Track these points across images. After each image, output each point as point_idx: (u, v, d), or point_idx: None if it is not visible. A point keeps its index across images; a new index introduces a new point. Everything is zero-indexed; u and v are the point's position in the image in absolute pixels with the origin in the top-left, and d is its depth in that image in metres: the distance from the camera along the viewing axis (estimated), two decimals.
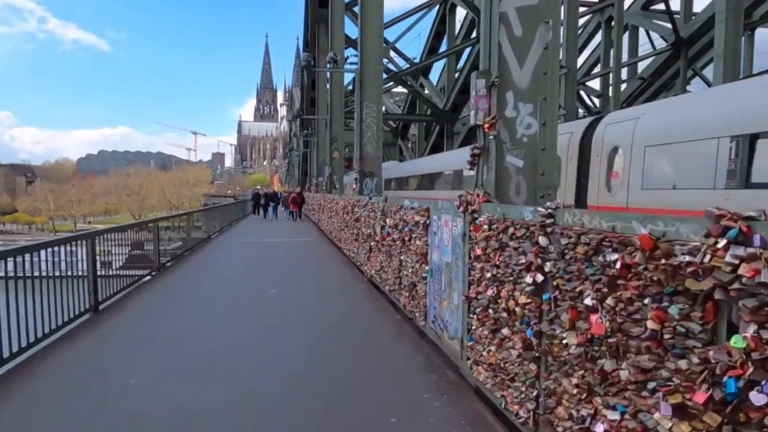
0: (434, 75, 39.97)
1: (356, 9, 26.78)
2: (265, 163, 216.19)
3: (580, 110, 27.86)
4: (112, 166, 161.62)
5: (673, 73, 28.79)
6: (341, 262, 11.33)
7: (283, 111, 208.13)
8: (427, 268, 5.17)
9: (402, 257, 6.23)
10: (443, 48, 33.91)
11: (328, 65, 12.70)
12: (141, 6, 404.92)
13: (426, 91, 36.33)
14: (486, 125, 4.00)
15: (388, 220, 6.95)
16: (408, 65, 34.26)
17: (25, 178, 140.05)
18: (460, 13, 33.39)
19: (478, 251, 3.70)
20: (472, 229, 3.86)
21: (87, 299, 6.68)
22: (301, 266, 11.32)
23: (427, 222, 5.22)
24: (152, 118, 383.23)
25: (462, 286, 4.20)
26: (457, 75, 32.91)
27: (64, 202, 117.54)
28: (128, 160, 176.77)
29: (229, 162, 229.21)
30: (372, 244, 8.18)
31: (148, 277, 9.96)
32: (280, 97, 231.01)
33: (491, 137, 4.02)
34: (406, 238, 5.95)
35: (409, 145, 45.12)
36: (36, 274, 5.43)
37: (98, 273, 7.06)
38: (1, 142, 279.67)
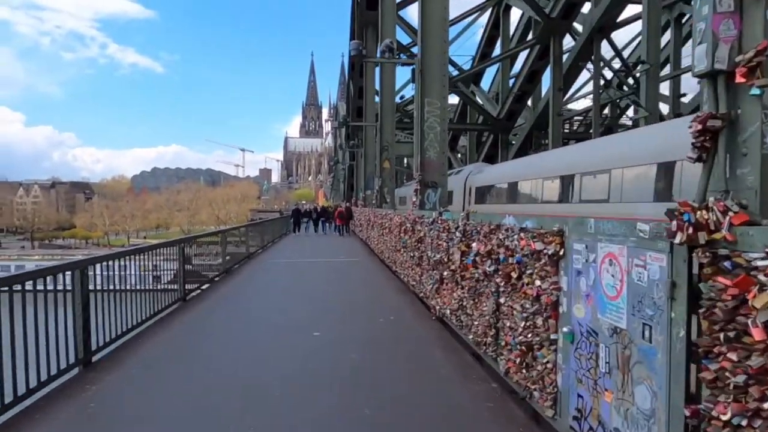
0: (484, 83, 37.92)
1: (402, 12, 25.25)
2: (310, 178, 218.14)
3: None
4: (164, 182, 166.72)
5: None
6: (398, 291, 9.42)
7: (327, 127, 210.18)
8: (565, 329, 3.18)
9: (503, 300, 4.27)
10: (497, 52, 31.86)
11: (382, 55, 10.88)
12: (192, 30, 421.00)
13: (477, 99, 34.29)
14: (740, 70, 2.01)
15: (474, 245, 5.00)
16: (457, 72, 32.21)
17: (83, 195, 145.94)
18: (515, 15, 31.40)
19: (757, 333, 1.71)
20: (720, 280, 1.87)
21: (75, 351, 5.05)
22: (351, 295, 9.46)
23: (560, 253, 3.26)
24: (203, 136, 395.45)
25: (666, 383, 2.22)
26: (512, 81, 30.74)
27: (119, 217, 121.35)
28: (179, 177, 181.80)
29: (275, 177, 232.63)
30: (445, 273, 6.24)
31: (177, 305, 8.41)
32: (325, 114, 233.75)
33: (755, 93, 2.01)
34: (513, 274, 3.98)
35: (459, 157, 43.08)
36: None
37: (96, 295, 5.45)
38: (65, 161, 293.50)
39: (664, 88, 29.88)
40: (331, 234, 28.18)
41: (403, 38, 26.64)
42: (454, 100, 38.49)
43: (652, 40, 18.12)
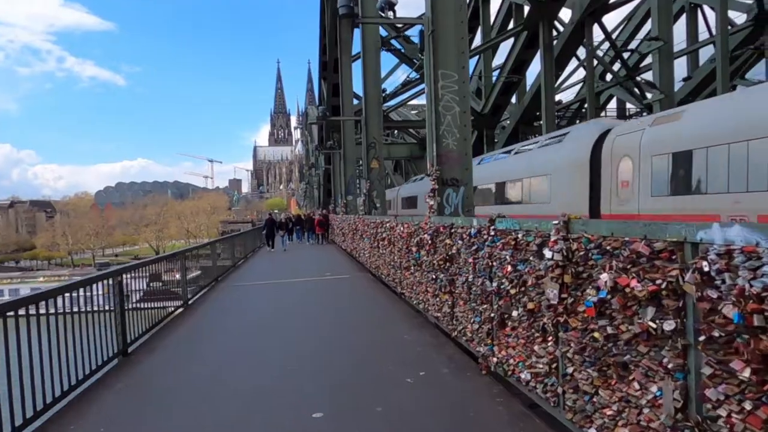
0: None
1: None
2: (281, 186, 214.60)
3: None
4: (129, 197, 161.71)
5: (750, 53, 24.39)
6: (413, 323, 7.21)
7: (297, 134, 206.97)
8: None
9: (715, 393, 2.10)
10: (477, 44, 30.03)
11: (381, 11, 8.58)
12: (154, 42, 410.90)
13: None
14: None
15: (605, 277, 2.82)
16: None
17: (45, 214, 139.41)
18: (495, 3, 29.60)
19: None
20: None
21: None
22: (354, 335, 7.13)
23: None
24: (169, 148, 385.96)
25: None
26: (497, 72, 28.91)
27: (82, 236, 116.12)
28: (145, 191, 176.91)
29: (246, 188, 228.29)
30: (514, 314, 4.06)
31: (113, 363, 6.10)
32: (293, 122, 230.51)
33: None
34: None
35: None
36: None
37: None
38: (25, 179, 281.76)
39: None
40: (307, 244, 26.67)
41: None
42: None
43: (664, 14, 16.39)
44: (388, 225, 9.73)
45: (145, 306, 7.56)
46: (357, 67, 21.58)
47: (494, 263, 4.43)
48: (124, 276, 6.62)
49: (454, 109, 6.99)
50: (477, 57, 31.12)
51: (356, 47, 22.84)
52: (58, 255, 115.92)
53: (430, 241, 6.49)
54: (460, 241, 5.41)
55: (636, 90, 24.87)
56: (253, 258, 20.30)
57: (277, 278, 13.49)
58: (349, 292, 10.69)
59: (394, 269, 9.18)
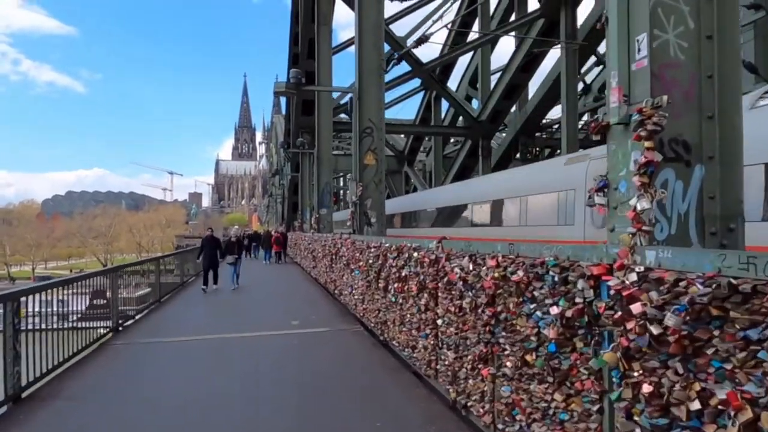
0: (452, 84, 31.66)
1: None
2: (243, 202, 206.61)
3: None
4: (80, 207, 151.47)
5: None
6: None
7: (261, 149, 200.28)
8: None
9: None
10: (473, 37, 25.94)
11: None
12: (116, 47, 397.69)
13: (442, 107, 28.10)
14: None
15: None
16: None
17: None
18: None
19: None
20: None
21: None
22: None
23: None
24: (129, 159, 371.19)
25: None
26: (500, 73, 24.72)
27: (22, 246, 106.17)
28: (98, 201, 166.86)
29: (206, 202, 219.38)
30: None
31: None
32: (258, 136, 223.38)
33: None
34: None
35: (419, 174, 36.72)
36: None
37: None
38: None
39: None
40: (263, 263, 24.13)
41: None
42: (408, 113, 32.06)
43: None
44: (423, 257, 5.03)
45: None
46: (337, 64, 17.27)
47: None
48: None
49: None
50: (471, 53, 27.12)
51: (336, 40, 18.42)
52: None
53: (676, 329, 1.85)
54: None
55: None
56: (191, 287, 15.16)
57: (211, 331, 8.53)
58: (338, 380, 5.83)
59: (433, 346, 4.50)
